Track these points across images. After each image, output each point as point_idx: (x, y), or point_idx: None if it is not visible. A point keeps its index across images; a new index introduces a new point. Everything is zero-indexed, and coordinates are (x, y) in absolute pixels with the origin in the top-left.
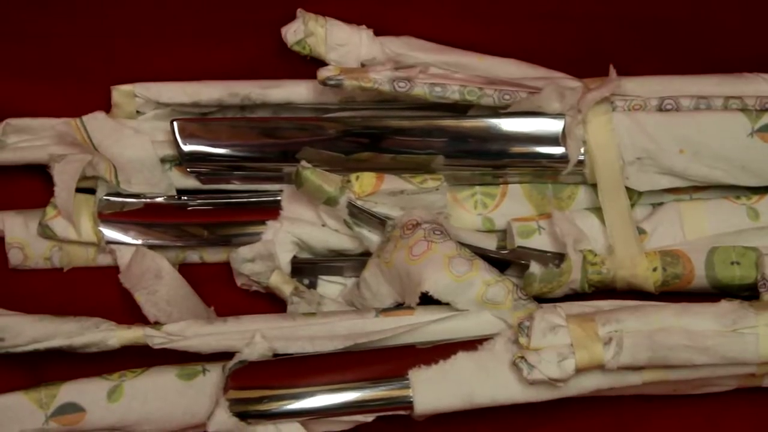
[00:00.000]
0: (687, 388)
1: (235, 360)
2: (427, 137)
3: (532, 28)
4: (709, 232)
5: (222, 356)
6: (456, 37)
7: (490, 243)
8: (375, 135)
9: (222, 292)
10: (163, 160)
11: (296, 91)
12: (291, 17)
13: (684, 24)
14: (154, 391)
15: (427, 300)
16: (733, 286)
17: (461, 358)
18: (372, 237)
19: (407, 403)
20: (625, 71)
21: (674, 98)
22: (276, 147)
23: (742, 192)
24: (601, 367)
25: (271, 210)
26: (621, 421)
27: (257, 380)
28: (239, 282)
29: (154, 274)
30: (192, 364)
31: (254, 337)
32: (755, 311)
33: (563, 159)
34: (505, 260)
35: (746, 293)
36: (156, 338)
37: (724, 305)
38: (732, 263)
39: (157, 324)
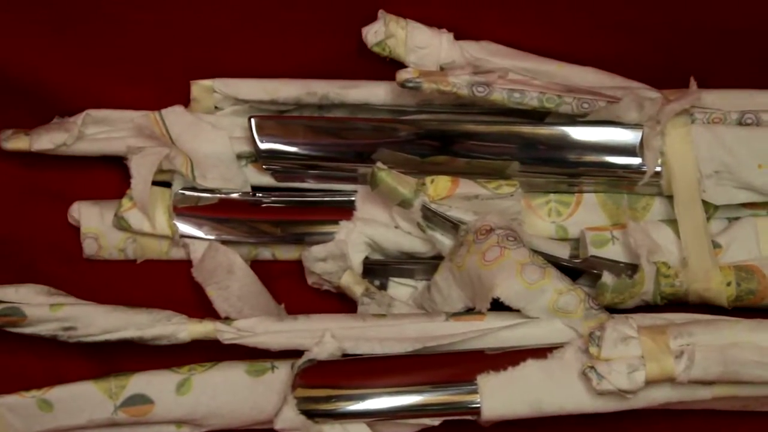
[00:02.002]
0: (757, 404)
1: (305, 358)
2: (503, 143)
3: (611, 37)
4: None
5: (291, 354)
6: (534, 44)
7: (563, 251)
8: (451, 139)
9: (293, 290)
10: (239, 156)
11: (374, 92)
12: (372, 18)
13: (766, 35)
14: (222, 385)
15: (497, 306)
16: None
17: (530, 365)
18: (445, 241)
19: (474, 408)
20: (705, 83)
21: (755, 112)
22: (352, 147)
23: None
24: (671, 380)
25: (344, 210)
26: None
27: (325, 379)
28: (310, 281)
29: (226, 269)
30: (261, 361)
31: (324, 336)
32: None
33: (640, 170)
34: (577, 269)
35: None
36: (226, 333)
37: None
38: None
39: (227, 319)
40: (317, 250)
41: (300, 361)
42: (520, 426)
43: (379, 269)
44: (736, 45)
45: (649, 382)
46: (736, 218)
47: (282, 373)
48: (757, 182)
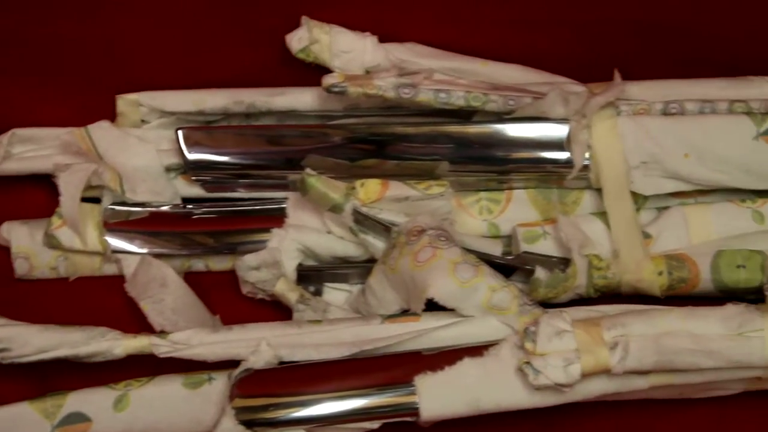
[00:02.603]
0: (693, 391)
1: (241, 368)
2: (431, 143)
3: (535, 33)
4: (714, 235)
5: (228, 364)
6: (459, 44)
7: (495, 248)
8: (380, 142)
9: (228, 300)
10: (168, 169)
11: (301, 99)
12: (295, 25)
13: (688, 27)
14: (160, 399)
15: (432, 306)
16: (738, 290)
17: (467, 363)
18: (377, 243)
19: (413, 410)
20: (629, 76)
21: (679, 102)
22: (281, 154)
23: (747, 195)
24: (607, 372)
25: (276, 217)
26: (626, 425)
27: (263, 388)
28: (245, 290)
29: (159, 282)
30: (198, 373)
31: (260, 345)
32: (761, 314)
33: (568, 164)
34: (510, 266)
35: (752, 296)
36: (162, 347)
37: (730, 308)
38: (738, 267)
39: (162, 333)
40: (250, 259)
41: (237, 371)
42: (461, 425)
43: (313, 275)
44: (660, 37)
45: (585, 375)
46: (665, 208)
47: (219, 384)
48: (684, 171)
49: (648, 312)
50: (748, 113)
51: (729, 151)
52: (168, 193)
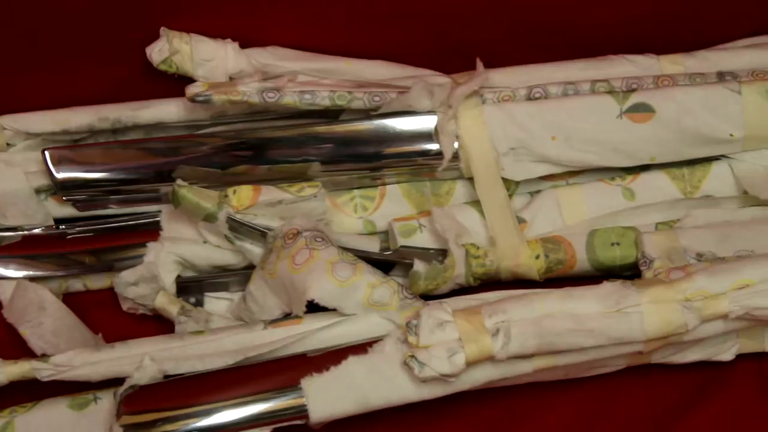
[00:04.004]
0: (578, 371)
1: (126, 385)
2: (301, 145)
3: (397, 28)
4: (587, 215)
5: (114, 383)
6: (323, 43)
7: (372, 245)
8: (249, 147)
9: (109, 318)
10: (38, 191)
11: (166, 110)
12: (156, 36)
13: (547, 10)
14: (46, 424)
15: (315, 308)
16: (615, 267)
17: (352, 362)
18: (254, 249)
19: (302, 412)
20: (492, 64)
21: (542, 86)
22: (151, 168)
23: (617, 173)
24: (491, 359)
25: (151, 231)
26: (516, 409)
27: (149, 404)
28: (125, 306)
29: (37, 306)
30: (83, 394)
31: (143, 360)
32: (638, 289)
33: (438, 155)
34: (389, 261)
35: (628, 273)
36: (44, 371)
37: (607, 286)
38: (612, 244)
39: (44, 356)
40: (128, 275)
41: (122, 389)
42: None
43: (193, 286)
44: (517, 22)
45: (470, 363)
46: (538, 192)
47: (105, 403)
48: (552, 154)
49: (527, 296)
50: (610, 92)
51: (595, 130)
52: (40, 215)
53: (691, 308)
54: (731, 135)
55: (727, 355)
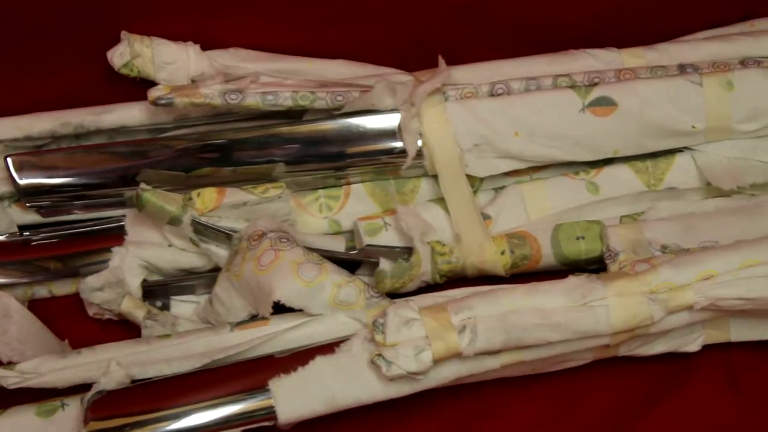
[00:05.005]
0: (545, 366)
1: (93, 391)
2: (265, 146)
3: (360, 27)
4: (552, 210)
5: (81, 389)
6: (286, 44)
7: (338, 245)
8: (213, 150)
9: (75, 324)
10: (1, 198)
11: (129, 115)
12: (116, 40)
13: (508, 6)
14: None
15: (281, 309)
16: (580, 261)
17: (320, 362)
18: (220, 252)
19: (271, 414)
20: (454, 61)
21: (505, 82)
22: (114, 172)
23: (580, 167)
24: (458, 356)
25: (115, 236)
26: (484, 405)
27: (117, 409)
28: (91, 312)
29: (2, 314)
30: (50, 401)
31: (110, 365)
32: (603, 283)
33: (402, 154)
34: (355, 260)
35: (594, 266)
36: (10, 378)
37: (572, 280)
38: (577, 238)
39: (10, 364)
40: (93, 280)
41: (89, 395)
42: (325, 423)
43: (159, 290)
44: (479, 20)
45: (437, 361)
46: (502, 188)
47: (73, 409)
48: (516, 149)
49: (493, 292)
50: (573, 87)
51: (557, 125)
52: (3, 222)
53: (656, 300)
54: (693, 127)
55: (693, 346)
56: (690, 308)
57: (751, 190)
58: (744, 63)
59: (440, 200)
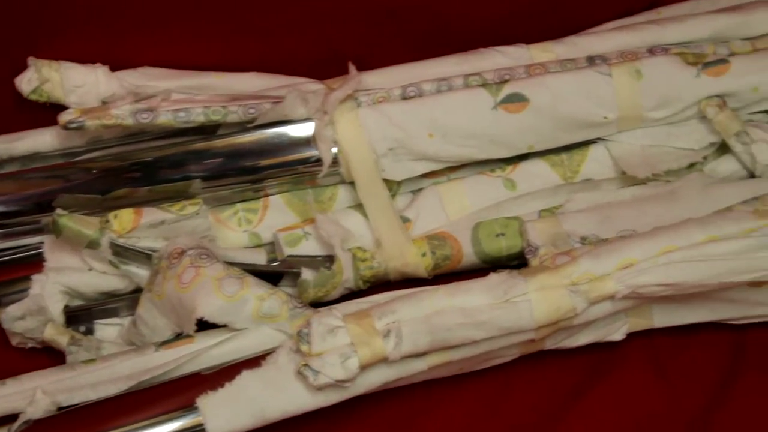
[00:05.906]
0: (472, 364)
1: (19, 421)
2: (180, 164)
3: (272, 40)
4: (470, 209)
5: (7, 420)
6: (199, 59)
7: (259, 258)
8: (127, 170)
9: None
10: None
11: (41, 140)
12: (23, 67)
13: (416, 9)
14: None
15: (206, 325)
16: (502, 258)
17: (246, 377)
18: (141, 272)
19: None
20: (368, 66)
21: (416, 84)
22: (30, 199)
23: (497, 165)
24: (384, 360)
25: (35, 263)
26: (415, 407)
27: None
28: (14, 341)
29: None
30: None
31: (35, 394)
32: (524, 278)
33: (318, 162)
34: (277, 272)
35: (516, 262)
36: None
37: (493, 277)
38: (497, 235)
39: None
40: (14, 310)
41: (15, 425)
42: None
43: (82, 314)
44: (388, 24)
45: (364, 367)
46: (420, 190)
47: None
48: (431, 151)
49: (416, 294)
50: (484, 85)
51: (471, 124)
52: None
53: (578, 292)
54: (605, 117)
55: (618, 334)
56: (612, 297)
57: (666, 177)
58: (652, 51)
59: (359, 206)
